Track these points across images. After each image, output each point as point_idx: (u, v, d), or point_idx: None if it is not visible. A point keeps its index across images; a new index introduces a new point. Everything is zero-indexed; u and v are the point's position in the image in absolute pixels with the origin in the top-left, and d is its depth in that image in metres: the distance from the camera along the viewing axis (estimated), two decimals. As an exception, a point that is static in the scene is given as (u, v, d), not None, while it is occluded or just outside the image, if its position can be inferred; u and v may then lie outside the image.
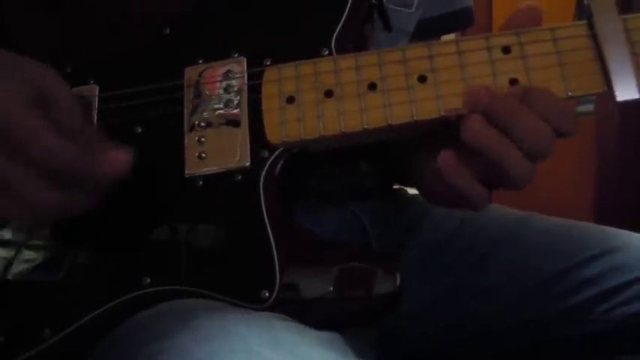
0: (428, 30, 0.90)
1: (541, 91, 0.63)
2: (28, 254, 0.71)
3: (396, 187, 0.98)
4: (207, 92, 0.71)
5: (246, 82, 0.70)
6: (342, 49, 0.70)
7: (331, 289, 0.64)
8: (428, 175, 0.69)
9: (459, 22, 1.00)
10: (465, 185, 0.63)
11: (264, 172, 0.68)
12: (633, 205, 1.69)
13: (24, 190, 0.59)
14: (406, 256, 0.92)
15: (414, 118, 0.65)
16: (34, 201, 0.60)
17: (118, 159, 0.63)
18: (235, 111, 0.70)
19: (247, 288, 0.64)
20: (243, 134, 0.69)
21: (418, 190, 0.77)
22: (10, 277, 0.70)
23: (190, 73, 0.72)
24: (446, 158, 0.63)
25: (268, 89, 0.69)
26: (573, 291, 0.86)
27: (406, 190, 1.00)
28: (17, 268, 0.71)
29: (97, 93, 0.74)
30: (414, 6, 0.90)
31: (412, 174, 0.75)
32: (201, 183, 0.69)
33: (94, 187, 0.62)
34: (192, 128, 0.70)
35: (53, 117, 0.60)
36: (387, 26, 0.79)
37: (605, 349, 0.88)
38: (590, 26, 0.65)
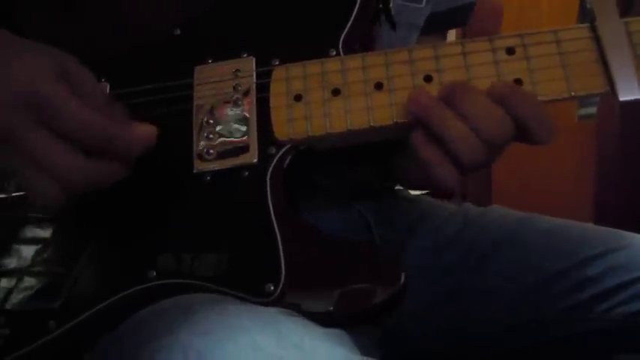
0: (435, 24, 0.91)
1: (465, 91, 0.65)
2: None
3: (399, 187, 0.99)
4: (215, 91, 0.72)
5: (254, 80, 0.71)
6: (349, 50, 0.71)
7: (336, 284, 0.64)
8: (408, 159, 0.70)
9: (466, 16, 1.01)
10: (434, 160, 0.65)
11: (271, 169, 0.69)
12: (633, 205, 1.69)
13: (55, 160, 0.60)
14: (408, 256, 0.92)
15: None
16: (64, 172, 0.61)
17: (144, 129, 0.65)
18: (244, 108, 0.70)
19: (253, 282, 0.65)
20: (251, 131, 0.70)
21: (398, 177, 0.78)
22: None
23: (200, 72, 0.73)
24: (416, 135, 0.65)
25: (276, 87, 0.70)
26: (574, 290, 0.86)
27: (409, 191, 1.00)
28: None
29: (107, 91, 0.74)
30: (424, 1, 0.91)
31: (396, 163, 0.76)
32: (209, 179, 0.70)
33: (123, 157, 0.64)
34: (200, 125, 0.71)
35: (80, 90, 0.62)
36: (393, 27, 0.80)
37: (605, 348, 0.88)
38: (593, 29, 0.66)
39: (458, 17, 1.02)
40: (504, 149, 0.66)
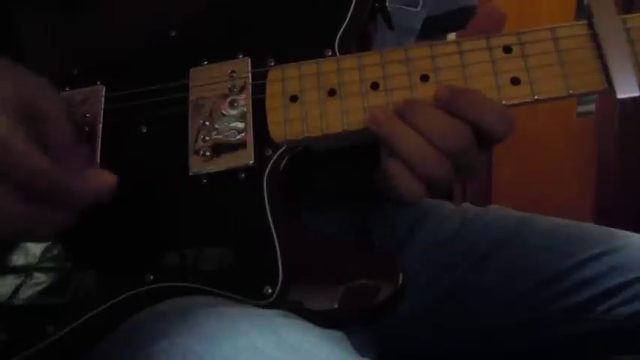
0: (433, 28, 0.91)
1: (414, 105, 0.65)
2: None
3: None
4: (211, 92, 0.72)
5: (250, 81, 0.71)
6: (345, 50, 0.71)
7: (334, 286, 0.64)
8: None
9: (464, 20, 1.00)
10: (397, 174, 0.65)
11: (267, 170, 0.68)
12: (633, 205, 1.69)
13: None
14: (407, 256, 0.92)
15: None
16: (3, 215, 0.57)
17: (103, 180, 0.62)
18: (240, 110, 0.70)
19: (251, 284, 0.65)
20: (247, 133, 0.69)
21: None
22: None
23: (196, 74, 0.73)
24: (384, 150, 0.65)
25: (272, 88, 0.70)
26: (573, 291, 0.86)
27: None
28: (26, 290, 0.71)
29: (103, 93, 0.74)
30: (420, 5, 0.91)
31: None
32: (205, 181, 0.70)
33: (70, 205, 0.61)
34: (197, 127, 0.71)
35: (40, 130, 0.58)
36: (390, 26, 0.80)
37: (605, 349, 0.88)
38: (590, 26, 0.66)
39: (456, 20, 1.01)
40: (471, 159, 0.65)
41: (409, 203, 0.66)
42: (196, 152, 0.70)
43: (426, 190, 0.65)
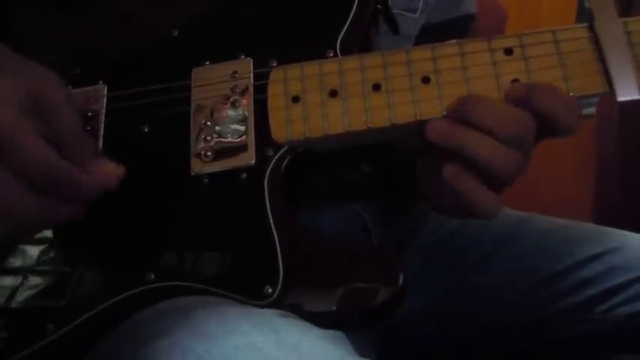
0: (433, 36, 0.91)
1: (476, 104, 0.63)
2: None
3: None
4: (213, 92, 0.72)
5: (252, 82, 0.71)
6: (347, 51, 0.71)
7: (334, 286, 0.64)
8: (438, 190, 0.68)
9: (464, 28, 1.00)
10: (472, 189, 0.63)
11: (269, 171, 0.69)
12: (633, 205, 1.69)
13: (2, 196, 0.57)
14: (407, 255, 0.92)
15: (418, 118, 0.66)
16: (11, 208, 0.58)
17: (108, 172, 0.62)
18: (241, 110, 0.70)
19: (251, 284, 0.65)
20: (248, 133, 0.69)
21: (432, 207, 0.77)
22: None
23: (198, 74, 0.73)
24: (449, 170, 0.63)
25: (274, 89, 0.70)
26: (573, 291, 0.87)
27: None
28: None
29: (105, 93, 0.74)
30: (419, 11, 0.91)
31: (422, 190, 0.74)
32: (206, 181, 0.70)
33: (78, 197, 0.61)
34: (198, 127, 0.71)
35: (47, 123, 0.59)
36: (395, 30, 0.80)
37: (605, 349, 0.89)
38: (592, 28, 0.66)
39: (456, 28, 1.01)
40: (530, 152, 0.64)
41: (486, 218, 0.64)
42: (198, 152, 0.70)
43: (498, 198, 0.64)
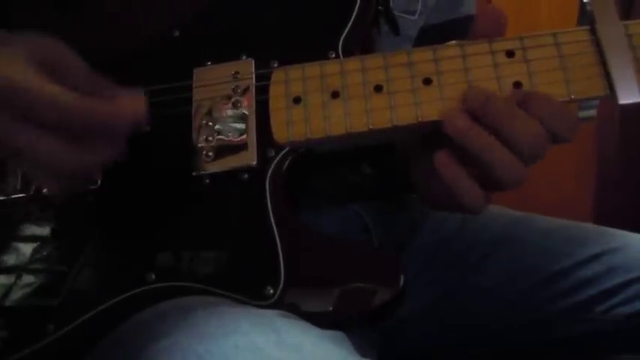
0: (431, 37, 0.91)
1: (539, 96, 0.64)
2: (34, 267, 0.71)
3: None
4: (215, 93, 0.72)
5: (254, 82, 0.71)
6: (348, 52, 0.72)
7: (335, 287, 0.64)
8: (428, 178, 0.69)
9: (463, 29, 1.00)
10: (459, 183, 0.64)
11: (270, 171, 0.69)
12: (633, 205, 1.69)
13: (38, 151, 0.58)
14: (407, 256, 0.92)
15: (419, 119, 0.66)
16: (51, 161, 0.59)
17: (131, 104, 0.62)
18: (243, 111, 0.71)
19: (252, 284, 0.65)
20: (250, 134, 0.70)
21: (420, 196, 0.78)
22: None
23: (199, 74, 0.73)
24: (441, 156, 0.64)
25: (275, 90, 0.70)
26: (572, 291, 0.87)
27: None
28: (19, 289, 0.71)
29: None
30: (417, 13, 0.91)
31: (413, 179, 0.75)
32: (208, 181, 0.70)
33: (111, 137, 0.62)
34: (200, 128, 0.71)
35: (61, 76, 0.59)
36: (396, 31, 0.80)
37: (604, 349, 0.89)
38: (593, 31, 0.66)
39: (455, 30, 1.01)
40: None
41: (470, 212, 0.65)
42: (199, 153, 0.70)
43: (485, 194, 0.65)
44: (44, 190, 0.71)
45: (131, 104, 0.62)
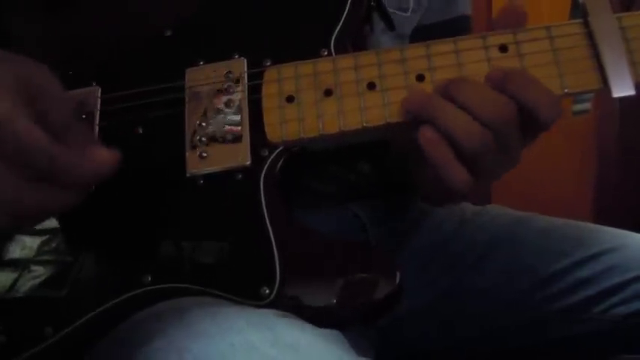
0: (426, 37, 0.91)
1: (459, 82, 0.64)
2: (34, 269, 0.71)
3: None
4: (207, 93, 0.72)
5: (246, 82, 0.71)
6: (341, 50, 0.71)
7: (331, 286, 0.64)
8: (422, 169, 0.69)
9: (458, 29, 1.00)
10: (445, 159, 0.63)
11: (264, 171, 0.68)
12: (633, 205, 1.69)
13: None
14: (405, 255, 0.92)
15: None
16: (8, 199, 0.56)
17: (104, 158, 0.59)
18: (236, 110, 0.70)
19: (248, 284, 0.65)
20: (243, 133, 0.69)
21: (417, 191, 0.77)
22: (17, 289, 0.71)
23: (192, 74, 0.73)
24: (425, 130, 0.63)
25: (268, 89, 0.70)
26: (571, 291, 0.87)
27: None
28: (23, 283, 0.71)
29: (99, 94, 0.74)
30: (410, 10, 0.90)
31: (410, 173, 0.75)
32: (202, 182, 0.70)
33: (73, 184, 0.59)
34: (193, 128, 0.71)
35: (40, 109, 0.57)
36: (391, 26, 0.80)
37: (602, 349, 0.89)
38: (586, 24, 0.66)
39: (450, 30, 1.00)
40: (512, 140, 0.64)
41: (456, 191, 0.65)
42: (193, 153, 0.70)
43: (471, 177, 0.64)
44: None
45: (101, 159, 0.59)
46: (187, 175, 0.70)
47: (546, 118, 0.62)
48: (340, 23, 0.72)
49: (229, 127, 0.70)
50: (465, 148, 0.62)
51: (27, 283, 0.70)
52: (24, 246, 0.72)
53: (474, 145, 0.62)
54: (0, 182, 0.56)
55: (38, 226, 0.71)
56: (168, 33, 0.76)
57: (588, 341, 0.87)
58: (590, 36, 0.65)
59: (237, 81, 0.71)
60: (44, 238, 0.71)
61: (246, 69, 0.72)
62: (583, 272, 0.86)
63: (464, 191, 0.64)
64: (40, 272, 0.70)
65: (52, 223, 0.72)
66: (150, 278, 0.67)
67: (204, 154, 0.70)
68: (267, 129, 0.69)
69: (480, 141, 0.62)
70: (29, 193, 0.57)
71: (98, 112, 0.74)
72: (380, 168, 0.86)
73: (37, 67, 0.59)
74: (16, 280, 0.70)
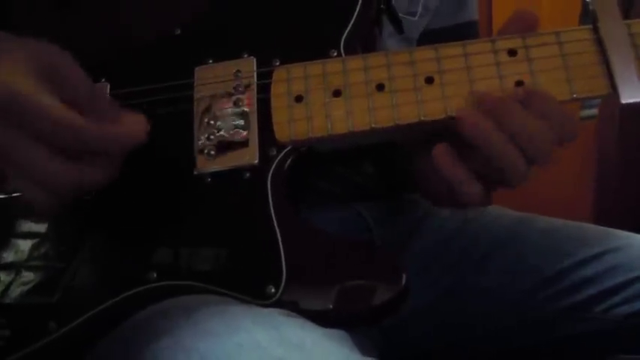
0: (433, 42, 0.92)
1: (543, 94, 0.64)
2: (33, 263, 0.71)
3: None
4: (216, 91, 0.72)
5: (255, 81, 0.71)
6: (350, 51, 0.71)
7: (337, 286, 0.64)
8: (429, 175, 0.69)
9: (468, 34, 1.00)
10: (459, 178, 0.64)
11: (272, 170, 0.69)
12: (633, 205, 1.69)
13: (33, 165, 0.57)
14: (409, 255, 0.92)
15: (421, 118, 0.66)
16: (45, 176, 0.58)
17: (132, 125, 0.61)
18: (244, 109, 0.70)
19: (254, 283, 0.65)
20: (252, 132, 0.69)
21: (421, 192, 0.78)
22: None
23: (201, 73, 0.73)
24: (440, 150, 0.64)
25: (277, 88, 0.70)
26: (573, 290, 0.87)
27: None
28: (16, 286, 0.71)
29: (108, 91, 0.74)
30: (418, 14, 0.91)
31: (415, 177, 0.75)
32: (209, 180, 0.70)
33: (110, 157, 0.61)
34: (201, 126, 0.71)
35: (62, 89, 0.58)
36: (400, 29, 0.80)
37: (604, 348, 0.89)
38: (595, 30, 0.66)
39: (458, 35, 1.01)
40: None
41: (469, 206, 0.66)
42: (201, 151, 0.70)
43: (488, 194, 0.65)
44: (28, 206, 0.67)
45: (131, 128, 0.61)
46: (195, 173, 0.70)
47: (571, 137, 0.65)
48: (350, 24, 0.72)
49: (238, 126, 0.70)
50: (504, 176, 0.64)
51: (19, 289, 0.70)
52: (17, 250, 0.72)
53: (511, 176, 0.64)
54: (33, 158, 0.57)
55: (31, 230, 0.72)
56: (178, 31, 0.76)
57: (590, 340, 0.87)
58: (599, 42, 0.65)
59: (246, 80, 0.71)
60: (36, 242, 0.71)
61: (255, 68, 0.72)
62: (586, 271, 0.87)
63: (478, 204, 0.65)
64: (31, 278, 0.70)
65: (45, 228, 0.72)
66: (155, 275, 0.67)
67: (212, 153, 0.70)
68: (275, 128, 0.69)
69: (521, 172, 0.63)
70: (63, 168, 0.58)
71: None
72: (385, 169, 0.87)
73: (55, 49, 0.60)
74: (8, 286, 0.70)
